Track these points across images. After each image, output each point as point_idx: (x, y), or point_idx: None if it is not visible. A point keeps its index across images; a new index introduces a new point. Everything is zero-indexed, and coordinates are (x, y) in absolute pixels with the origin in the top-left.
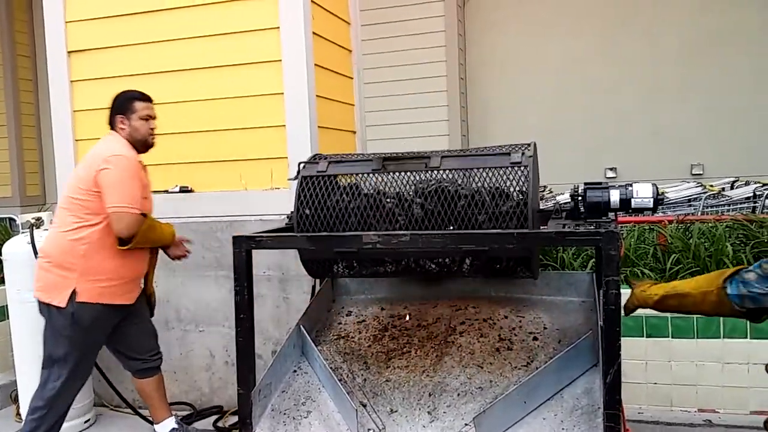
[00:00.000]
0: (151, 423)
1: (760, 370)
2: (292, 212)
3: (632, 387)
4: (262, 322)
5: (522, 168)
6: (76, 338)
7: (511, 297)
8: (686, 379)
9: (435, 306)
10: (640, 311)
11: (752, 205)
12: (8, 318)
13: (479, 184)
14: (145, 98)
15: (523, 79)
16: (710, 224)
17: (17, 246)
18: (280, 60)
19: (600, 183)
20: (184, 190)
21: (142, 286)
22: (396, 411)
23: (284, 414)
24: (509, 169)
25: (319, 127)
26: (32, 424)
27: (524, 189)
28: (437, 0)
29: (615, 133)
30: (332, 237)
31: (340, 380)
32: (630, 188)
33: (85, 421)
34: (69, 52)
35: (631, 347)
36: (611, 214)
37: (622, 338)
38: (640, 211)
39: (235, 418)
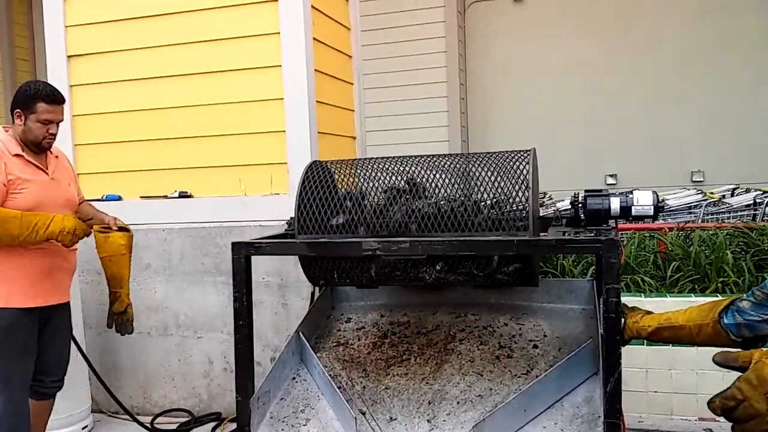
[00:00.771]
0: (149, 429)
1: None
2: (292, 218)
3: (633, 395)
4: (261, 329)
5: (522, 175)
6: None
7: (511, 304)
8: (687, 387)
9: (434, 313)
10: None
11: (752, 212)
12: None
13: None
14: (53, 100)
15: (523, 86)
16: (711, 232)
17: None
18: (281, 65)
19: (600, 190)
20: (183, 195)
21: (69, 289)
22: (395, 419)
23: (283, 422)
24: (509, 175)
25: (319, 132)
26: None
27: (524, 196)
28: (438, 6)
29: (615, 139)
30: (331, 243)
31: (339, 388)
32: (630, 196)
33: (83, 428)
34: (69, 57)
35: (631, 355)
36: (611, 222)
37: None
38: (640, 218)
39: (234, 425)
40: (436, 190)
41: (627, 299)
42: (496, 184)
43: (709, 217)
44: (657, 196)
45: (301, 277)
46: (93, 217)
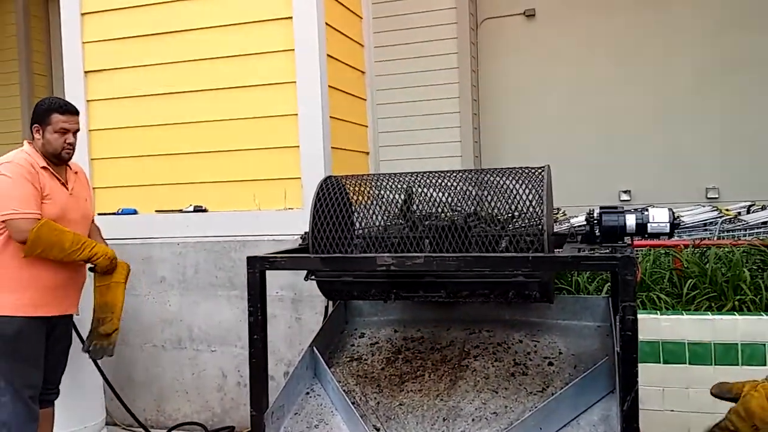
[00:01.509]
0: None
1: None
2: (306, 233)
3: (649, 414)
4: (274, 343)
5: (536, 191)
6: (3, 352)
7: (526, 321)
8: (704, 406)
9: (448, 329)
10: (654, 335)
11: None
12: None
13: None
14: (67, 110)
15: (536, 101)
16: (727, 249)
17: None
18: (295, 81)
19: (615, 207)
20: (198, 209)
21: (77, 302)
22: None
23: None
24: (523, 191)
25: (332, 147)
26: None
27: (539, 212)
28: (450, 22)
29: (629, 155)
30: (346, 258)
31: (353, 403)
32: (646, 213)
33: None
34: (86, 72)
35: (647, 373)
36: (627, 239)
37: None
38: (656, 236)
39: None
40: (450, 206)
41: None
42: (510, 200)
43: (725, 234)
44: (673, 212)
45: (314, 292)
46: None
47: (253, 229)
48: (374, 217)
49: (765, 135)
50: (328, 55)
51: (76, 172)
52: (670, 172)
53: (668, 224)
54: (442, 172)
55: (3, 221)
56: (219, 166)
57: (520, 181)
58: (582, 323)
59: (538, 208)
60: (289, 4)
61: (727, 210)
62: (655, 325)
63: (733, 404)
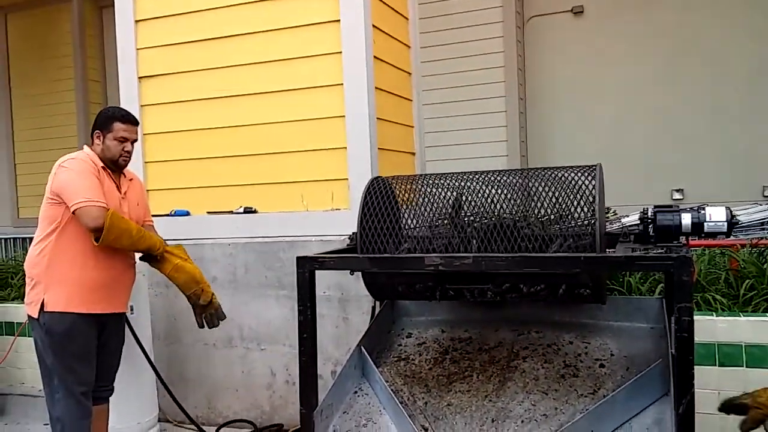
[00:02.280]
0: None
1: None
2: (354, 233)
3: (704, 418)
4: (321, 342)
5: (589, 190)
6: (55, 349)
7: (576, 322)
8: None
9: (497, 330)
10: (710, 337)
11: None
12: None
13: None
14: (128, 120)
15: (584, 100)
16: None
17: None
18: (342, 84)
19: (670, 206)
20: (248, 210)
21: (127, 301)
22: None
23: None
24: (576, 190)
25: (379, 148)
26: None
27: (592, 211)
28: (496, 21)
29: (681, 154)
30: (394, 258)
31: (401, 403)
32: (703, 212)
33: None
34: (140, 78)
35: (702, 376)
36: (682, 238)
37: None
38: (713, 235)
39: None
40: (499, 206)
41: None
42: (560, 200)
43: None
44: (730, 211)
45: (361, 291)
46: None
47: (301, 229)
48: (422, 217)
49: None
50: (375, 57)
51: (130, 179)
52: (724, 171)
53: (726, 223)
54: (489, 171)
55: (76, 209)
56: (268, 168)
57: (573, 180)
58: (635, 325)
59: (590, 207)
60: (337, 8)
61: None
62: (710, 327)
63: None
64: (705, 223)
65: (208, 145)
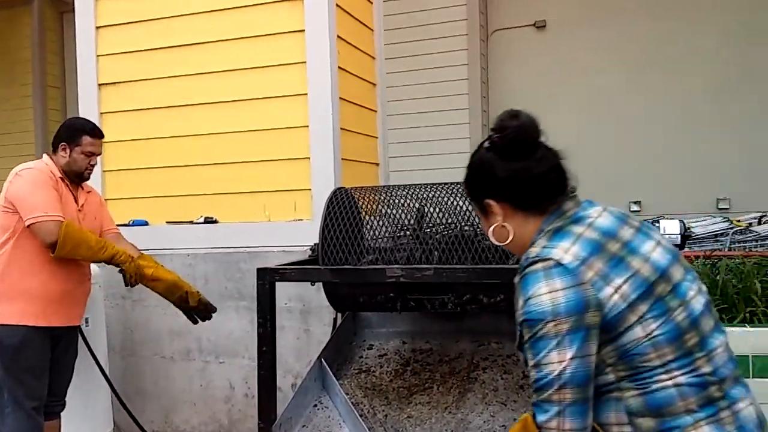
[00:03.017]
0: None
1: None
2: (315, 244)
3: None
4: (282, 355)
5: None
6: (6, 363)
7: None
8: None
9: (457, 341)
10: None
11: None
12: None
13: None
14: (96, 134)
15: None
16: (738, 260)
17: None
18: (306, 93)
19: None
20: (208, 220)
21: (82, 314)
22: None
23: None
24: None
25: (342, 159)
26: None
27: None
28: (460, 34)
29: (639, 167)
30: (356, 270)
31: (361, 416)
32: (657, 225)
33: None
34: (99, 85)
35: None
36: None
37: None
38: None
39: None
40: (461, 217)
41: None
42: None
43: (736, 245)
44: (684, 224)
45: (323, 303)
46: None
47: (263, 240)
48: (384, 228)
49: None
50: (340, 68)
51: (88, 192)
52: (681, 184)
53: (679, 236)
54: (450, 182)
55: (31, 224)
56: (229, 177)
57: None
58: None
59: None
60: (302, 18)
61: (737, 221)
62: None
63: None
64: None
65: (168, 153)
